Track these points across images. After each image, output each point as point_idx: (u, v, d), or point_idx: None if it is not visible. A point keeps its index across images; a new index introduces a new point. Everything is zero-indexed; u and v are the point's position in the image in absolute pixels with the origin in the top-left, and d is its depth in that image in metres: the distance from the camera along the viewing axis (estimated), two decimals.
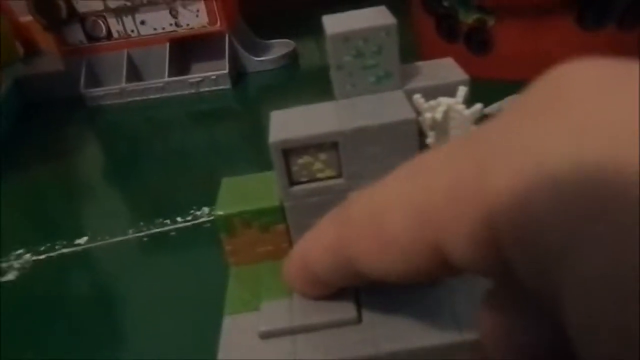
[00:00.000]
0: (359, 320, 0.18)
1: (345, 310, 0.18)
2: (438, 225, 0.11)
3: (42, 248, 0.37)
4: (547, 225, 0.09)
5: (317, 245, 0.16)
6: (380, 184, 0.14)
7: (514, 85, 0.37)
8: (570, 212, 0.09)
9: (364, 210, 0.14)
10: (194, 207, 0.38)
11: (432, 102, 0.19)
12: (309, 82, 0.55)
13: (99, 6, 0.58)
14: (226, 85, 0.58)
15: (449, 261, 0.11)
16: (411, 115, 0.19)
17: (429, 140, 0.19)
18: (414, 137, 0.19)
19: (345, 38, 0.19)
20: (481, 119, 0.20)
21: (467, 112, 0.19)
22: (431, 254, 0.12)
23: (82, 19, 0.59)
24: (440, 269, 0.12)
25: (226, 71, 0.57)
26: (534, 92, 0.11)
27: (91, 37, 0.60)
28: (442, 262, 0.12)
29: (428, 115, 0.19)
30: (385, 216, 0.13)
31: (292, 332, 0.18)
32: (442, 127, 0.19)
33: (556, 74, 0.10)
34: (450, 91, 0.20)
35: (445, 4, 0.45)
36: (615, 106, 0.09)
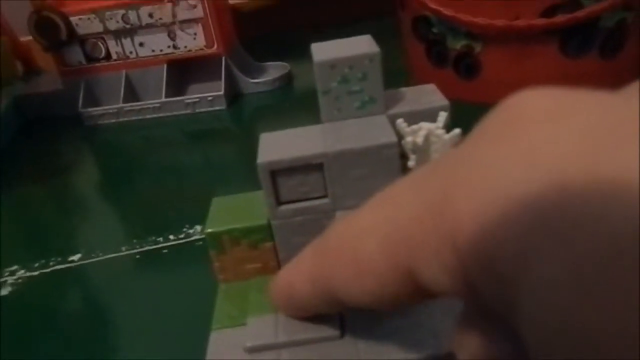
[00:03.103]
0: (341, 335, 0.18)
1: (329, 326, 0.19)
2: (408, 252, 0.12)
3: (36, 264, 0.37)
4: (502, 245, 0.09)
5: (299, 274, 0.17)
6: (355, 213, 0.14)
7: None
8: (521, 231, 0.09)
9: (340, 239, 0.15)
10: (187, 225, 0.38)
11: (414, 127, 0.20)
12: (303, 104, 0.56)
13: (99, 28, 0.59)
14: (222, 106, 0.59)
15: (422, 286, 0.12)
16: (393, 139, 0.19)
17: (411, 163, 0.20)
18: (396, 160, 0.20)
19: (332, 65, 0.20)
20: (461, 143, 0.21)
21: (447, 136, 0.20)
22: (405, 280, 0.12)
23: (82, 40, 0.60)
24: (414, 294, 0.12)
25: (222, 92, 0.58)
26: (490, 121, 0.11)
27: (90, 58, 0.61)
28: (415, 287, 0.12)
29: (409, 139, 0.20)
30: (360, 244, 0.13)
31: (276, 347, 0.19)
32: (423, 151, 0.20)
33: (508, 103, 0.11)
34: (431, 116, 0.21)
35: (435, 30, 0.46)
36: (562, 132, 0.10)
